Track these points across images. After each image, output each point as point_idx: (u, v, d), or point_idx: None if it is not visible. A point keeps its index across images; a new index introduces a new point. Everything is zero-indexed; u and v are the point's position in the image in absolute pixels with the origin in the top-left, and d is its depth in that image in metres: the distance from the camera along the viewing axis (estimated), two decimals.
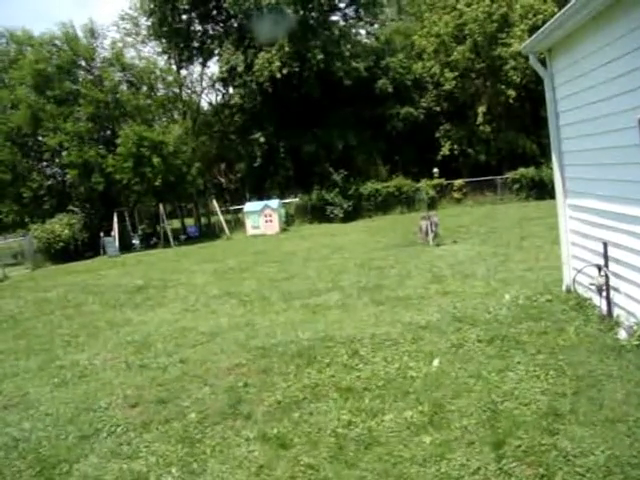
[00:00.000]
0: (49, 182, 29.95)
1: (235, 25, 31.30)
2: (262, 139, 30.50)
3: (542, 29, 6.89)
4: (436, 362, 5.84)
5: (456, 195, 29.52)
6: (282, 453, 4.49)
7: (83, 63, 30.43)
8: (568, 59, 6.90)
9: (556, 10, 22.78)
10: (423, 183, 29.04)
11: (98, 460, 4.79)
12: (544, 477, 3.71)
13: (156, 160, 25.97)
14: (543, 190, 25.53)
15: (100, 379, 6.94)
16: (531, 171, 27.96)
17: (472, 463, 3.97)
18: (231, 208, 32.61)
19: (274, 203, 27.29)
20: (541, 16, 26.46)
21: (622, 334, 5.92)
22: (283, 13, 27.60)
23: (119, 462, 4.70)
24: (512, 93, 28.62)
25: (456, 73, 30.57)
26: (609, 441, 3.98)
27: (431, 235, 15.43)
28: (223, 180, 38.27)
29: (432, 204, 26.71)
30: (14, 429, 5.65)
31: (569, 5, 5.85)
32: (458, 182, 29.63)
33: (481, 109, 30.02)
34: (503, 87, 29.20)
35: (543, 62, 7.72)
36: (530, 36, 8.14)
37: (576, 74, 6.67)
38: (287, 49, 27.72)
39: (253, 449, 4.63)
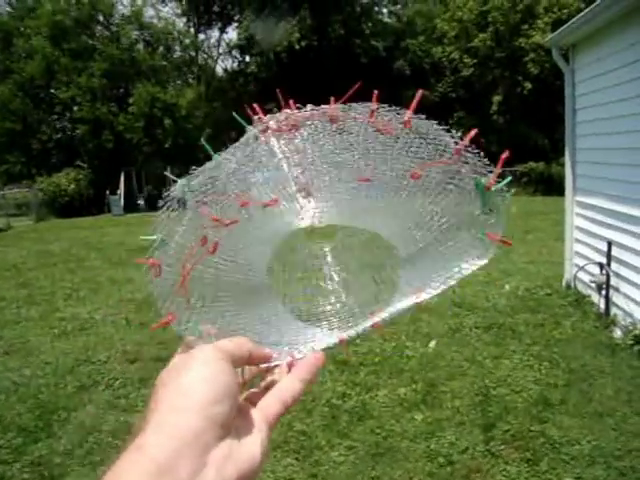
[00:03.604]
0: (58, 136, 29.73)
1: None
2: (276, 109, 30.36)
3: (569, 23, 6.86)
4: (432, 344, 5.94)
5: None
6: None
7: (101, 18, 30.09)
8: (592, 56, 6.88)
9: (582, 6, 22.51)
10: None
11: (95, 410, 4.90)
12: (530, 461, 3.81)
13: (167, 122, 25.96)
14: (551, 186, 25.35)
15: (100, 333, 7.05)
16: (541, 166, 27.73)
17: (461, 442, 4.08)
18: None
19: None
20: (566, 10, 26.10)
21: (617, 333, 6.02)
22: None
23: (116, 414, 4.81)
24: (528, 85, 28.38)
25: (475, 60, 30.33)
26: (596, 433, 4.08)
27: None
28: None
29: None
30: (14, 374, 5.77)
31: (600, 0, 5.84)
32: None
33: (497, 99, 29.78)
34: (520, 78, 28.96)
35: (565, 57, 7.71)
36: (554, 30, 8.11)
37: (598, 72, 6.65)
38: (308, 21, 27.53)
39: None
